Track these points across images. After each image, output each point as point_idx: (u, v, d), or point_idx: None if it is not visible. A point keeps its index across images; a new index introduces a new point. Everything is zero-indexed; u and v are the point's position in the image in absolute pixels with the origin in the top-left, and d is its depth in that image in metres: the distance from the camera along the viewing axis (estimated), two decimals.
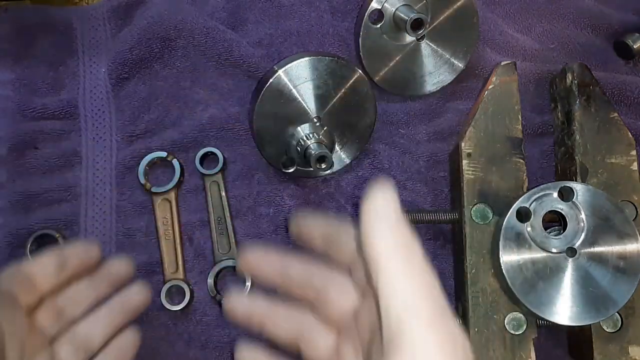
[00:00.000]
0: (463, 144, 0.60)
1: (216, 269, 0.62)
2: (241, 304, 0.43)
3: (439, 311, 0.32)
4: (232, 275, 0.63)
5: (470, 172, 0.60)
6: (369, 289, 0.38)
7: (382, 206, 0.34)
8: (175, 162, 0.64)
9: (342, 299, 0.40)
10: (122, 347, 0.53)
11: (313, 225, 0.42)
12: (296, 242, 0.43)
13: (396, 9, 0.62)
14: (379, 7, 0.63)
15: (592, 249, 0.55)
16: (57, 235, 0.61)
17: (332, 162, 0.58)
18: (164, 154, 0.64)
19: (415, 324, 0.30)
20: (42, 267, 0.48)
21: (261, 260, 0.43)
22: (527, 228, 0.55)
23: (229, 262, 0.62)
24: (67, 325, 0.50)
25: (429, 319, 0.31)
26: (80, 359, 0.49)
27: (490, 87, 0.62)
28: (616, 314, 0.56)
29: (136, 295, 0.54)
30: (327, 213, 0.65)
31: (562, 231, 0.56)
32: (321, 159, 0.58)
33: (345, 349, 0.39)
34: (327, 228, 0.41)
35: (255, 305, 0.43)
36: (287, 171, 0.63)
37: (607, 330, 0.56)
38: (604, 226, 0.55)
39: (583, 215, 0.55)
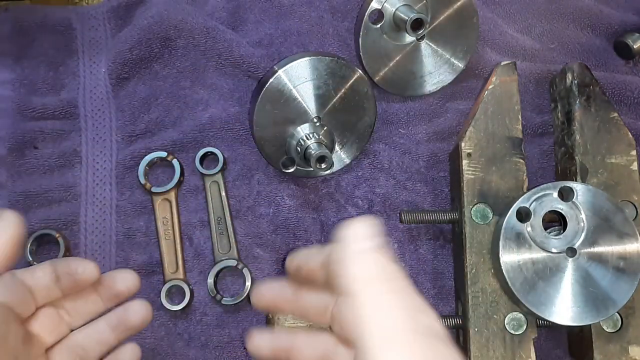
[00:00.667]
0: (463, 144, 0.60)
1: (216, 269, 0.62)
2: (265, 342, 0.43)
3: (418, 335, 0.30)
4: (232, 275, 0.63)
5: (470, 172, 0.60)
6: None
7: (352, 236, 0.33)
8: (175, 162, 0.64)
9: None
10: None
11: (310, 258, 0.41)
12: (296, 279, 0.43)
13: (396, 9, 0.62)
14: (379, 7, 0.63)
15: (592, 249, 0.55)
16: (57, 235, 0.61)
17: (332, 162, 0.58)
18: (164, 154, 0.64)
19: (393, 351, 0.30)
20: (37, 278, 0.46)
21: (276, 295, 0.43)
22: (527, 228, 0.55)
23: (229, 262, 0.62)
24: (65, 334, 0.49)
25: (407, 343, 0.30)
26: None
27: (490, 87, 0.62)
28: (616, 314, 0.56)
29: (137, 312, 0.51)
30: (327, 213, 0.65)
31: (562, 231, 0.56)
32: (321, 159, 0.57)
33: None
34: (324, 256, 0.40)
35: (279, 341, 0.43)
36: (287, 171, 0.63)
37: (607, 330, 0.56)
38: (604, 226, 0.55)
39: (583, 215, 0.55)
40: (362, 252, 0.33)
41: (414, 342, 0.30)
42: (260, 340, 0.43)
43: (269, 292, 0.44)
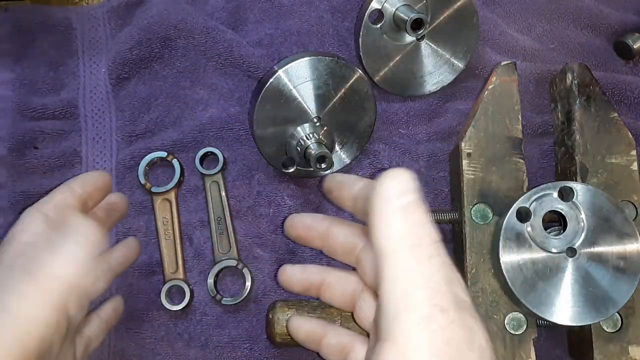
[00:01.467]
0: (463, 144, 0.60)
1: (216, 269, 0.62)
2: (296, 275, 0.43)
3: (438, 309, 0.30)
4: (232, 275, 0.63)
5: (470, 172, 0.60)
6: None
7: (394, 189, 0.32)
8: (175, 162, 0.64)
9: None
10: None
11: (345, 186, 0.40)
12: (327, 199, 0.43)
13: (396, 9, 0.62)
14: (379, 7, 0.63)
15: (592, 249, 0.55)
16: None
17: (332, 162, 0.58)
18: (164, 154, 0.64)
19: (409, 321, 0.30)
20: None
21: (308, 227, 0.43)
22: (527, 228, 0.55)
23: (229, 262, 0.62)
24: None
25: (425, 317, 0.30)
26: None
27: (490, 87, 0.62)
28: (616, 314, 0.56)
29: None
30: (327, 213, 0.65)
31: (562, 231, 0.56)
32: (321, 159, 0.57)
33: None
34: (358, 191, 0.39)
35: (311, 276, 0.43)
36: (287, 171, 0.63)
37: (607, 330, 0.56)
38: (604, 226, 0.55)
39: (583, 215, 0.55)
40: (399, 209, 0.32)
41: (434, 315, 0.30)
42: (291, 273, 0.43)
43: (302, 223, 0.43)
